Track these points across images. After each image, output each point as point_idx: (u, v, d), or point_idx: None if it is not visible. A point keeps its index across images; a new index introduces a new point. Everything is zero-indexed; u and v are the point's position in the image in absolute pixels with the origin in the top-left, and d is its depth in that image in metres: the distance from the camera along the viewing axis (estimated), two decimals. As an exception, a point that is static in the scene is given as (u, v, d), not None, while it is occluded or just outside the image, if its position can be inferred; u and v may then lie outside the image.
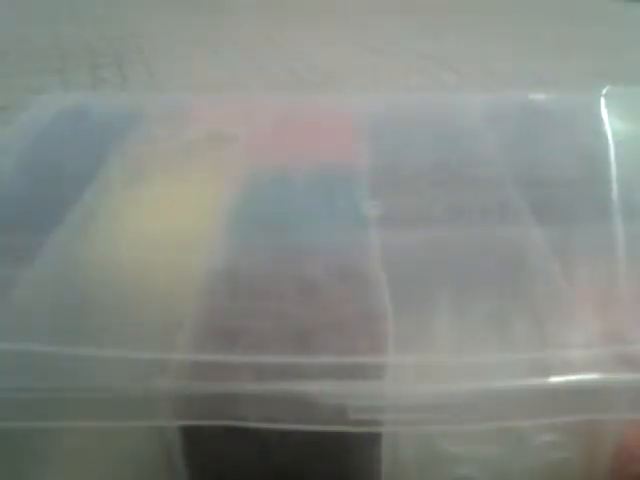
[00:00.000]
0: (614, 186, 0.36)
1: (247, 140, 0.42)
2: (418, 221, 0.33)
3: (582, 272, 0.29)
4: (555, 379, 0.23)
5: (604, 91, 0.47)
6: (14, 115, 0.50)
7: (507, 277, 0.29)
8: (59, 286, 0.29)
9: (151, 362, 0.24)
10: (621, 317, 0.26)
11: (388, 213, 0.33)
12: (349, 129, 0.43)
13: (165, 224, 0.33)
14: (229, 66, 1.08)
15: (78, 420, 0.24)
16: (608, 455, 0.25)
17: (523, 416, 0.23)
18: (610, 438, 0.25)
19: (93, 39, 1.20)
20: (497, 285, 0.28)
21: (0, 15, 1.57)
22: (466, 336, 0.25)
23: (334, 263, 0.30)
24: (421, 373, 0.23)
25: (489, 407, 0.23)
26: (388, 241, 0.31)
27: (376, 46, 1.26)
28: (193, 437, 0.25)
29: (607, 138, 0.42)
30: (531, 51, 1.26)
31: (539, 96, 0.48)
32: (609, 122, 0.44)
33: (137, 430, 0.24)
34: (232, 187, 0.36)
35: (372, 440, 0.24)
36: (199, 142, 0.42)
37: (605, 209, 0.34)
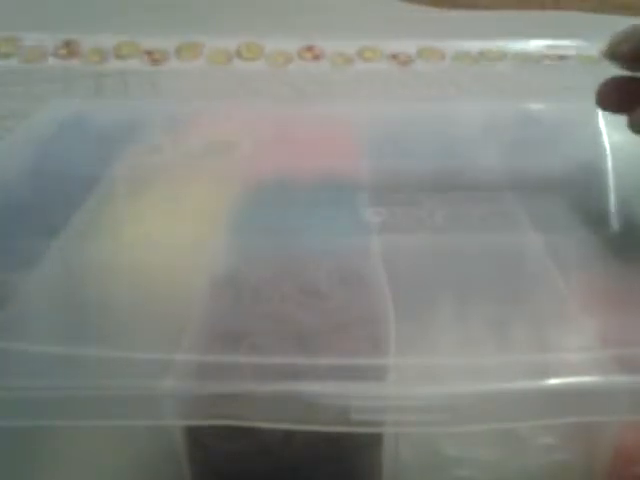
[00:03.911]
0: (612, 194, 0.37)
1: (249, 148, 0.42)
2: (419, 227, 0.33)
3: (580, 276, 0.29)
4: (554, 381, 0.23)
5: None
6: (17, 123, 0.50)
7: (506, 281, 0.29)
8: (63, 288, 0.29)
9: (155, 363, 0.24)
10: (619, 320, 0.26)
11: (389, 219, 0.34)
12: (350, 137, 0.44)
13: (168, 229, 0.33)
14: (229, 75, 1.08)
15: (81, 420, 0.24)
16: (607, 457, 0.25)
17: (523, 418, 0.24)
18: (609, 440, 0.25)
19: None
20: (497, 289, 0.29)
21: (2, 22, 1.57)
22: (466, 339, 0.26)
23: (336, 267, 0.30)
24: (422, 375, 0.24)
25: (489, 409, 0.23)
26: (389, 246, 0.31)
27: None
28: (196, 437, 0.25)
29: (605, 148, 0.42)
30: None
31: (538, 105, 0.49)
32: (607, 132, 0.44)
33: (140, 430, 0.25)
34: (234, 193, 0.36)
35: (373, 441, 0.25)
36: (201, 150, 0.43)
37: (603, 216, 0.34)
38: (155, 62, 0.33)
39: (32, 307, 0.28)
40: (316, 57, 0.34)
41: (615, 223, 0.34)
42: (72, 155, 0.42)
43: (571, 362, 0.24)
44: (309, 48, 0.34)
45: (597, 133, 0.44)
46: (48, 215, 0.35)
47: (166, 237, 0.32)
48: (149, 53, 0.33)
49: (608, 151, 0.42)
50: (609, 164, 0.40)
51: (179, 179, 0.39)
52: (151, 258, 0.31)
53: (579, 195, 0.36)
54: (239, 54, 0.33)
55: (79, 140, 0.44)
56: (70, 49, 0.33)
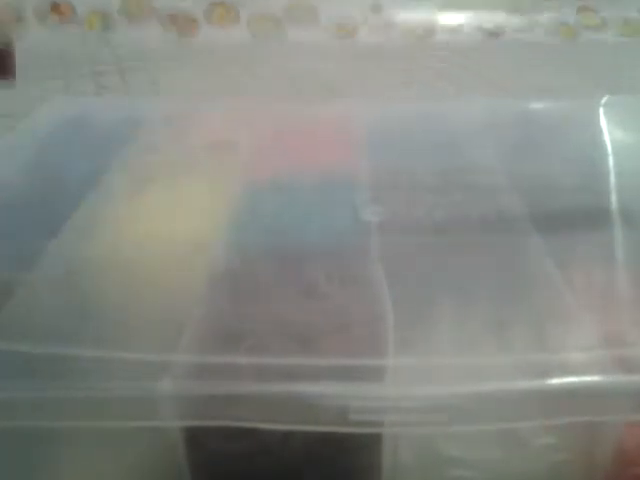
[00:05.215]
0: (613, 194, 0.37)
1: (248, 147, 0.42)
2: (418, 226, 0.33)
3: (581, 276, 0.29)
4: (554, 381, 0.23)
5: (603, 100, 0.47)
6: (17, 122, 0.50)
7: (506, 281, 0.29)
8: (62, 287, 0.29)
9: (154, 363, 0.24)
10: (620, 320, 0.26)
11: (388, 219, 0.34)
12: (349, 136, 0.44)
13: (167, 228, 0.33)
14: (230, 75, 1.09)
15: (80, 421, 0.24)
16: (607, 457, 0.25)
17: (523, 418, 0.24)
18: (609, 440, 0.25)
19: (95, 46, 1.21)
20: (497, 289, 0.29)
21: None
22: (466, 339, 0.26)
23: (335, 268, 0.30)
24: (421, 375, 0.24)
25: (489, 409, 0.23)
26: (388, 246, 0.31)
27: (377, 58, 1.27)
28: (196, 438, 0.25)
29: (606, 147, 0.42)
30: (531, 64, 1.27)
31: (538, 104, 0.49)
32: (608, 131, 0.44)
33: (140, 431, 0.24)
34: (234, 192, 0.36)
35: (373, 441, 0.25)
36: (201, 149, 0.43)
37: (604, 215, 0.34)
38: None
39: (32, 307, 0.28)
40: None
41: (616, 222, 0.34)
42: (72, 154, 0.42)
43: (571, 362, 0.24)
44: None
45: (598, 132, 0.44)
46: (48, 214, 0.35)
47: (166, 237, 0.32)
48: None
49: (609, 150, 0.42)
50: (610, 163, 0.40)
51: (179, 178, 0.39)
52: (151, 258, 0.31)
53: (580, 194, 0.36)
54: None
55: (79, 139, 0.44)
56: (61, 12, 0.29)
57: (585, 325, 0.26)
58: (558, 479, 0.26)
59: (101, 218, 0.34)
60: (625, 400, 0.23)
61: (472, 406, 0.23)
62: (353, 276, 0.29)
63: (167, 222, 0.34)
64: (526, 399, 0.23)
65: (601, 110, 0.47)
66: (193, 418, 0.24)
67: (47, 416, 0.24)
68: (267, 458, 0.25)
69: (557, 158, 0.41)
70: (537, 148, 0.42)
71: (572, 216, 0.34)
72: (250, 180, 0.38)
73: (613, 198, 0.36)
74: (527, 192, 0.36)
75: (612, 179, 0.38)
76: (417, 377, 0.24)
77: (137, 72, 0.97)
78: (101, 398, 0.23)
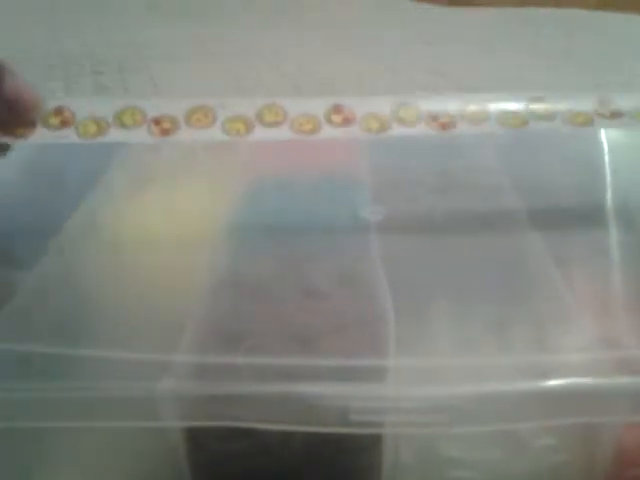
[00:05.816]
0: (613, 194, 0.37)
1: (248, 147, 0.42)
2: (419, 227, 0.33)
3: (580, 278, 0.29)
4: (554, 382, 0.23)
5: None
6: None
7: (506, 282, 0.29)
8: (62, 287, 0.29)
9: (155, 364, 0.24)
10: (618, 322, 0.26)
11: (389, 219, 0.34)
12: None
13: (168, 228, 0.33)
14: (230, 75, 1.08)
15: (80, 421, 0.24)
16: (607, 458, 0.25)
17: (522, 419, 0.24)
18: (608, 441, 0.25)
19: (95, 46, 1.21)
20: (496, 290, 0.29)
21: (2, 22, 1.57)
22: (466, 339, 0.26)
23: (336, 267, 0.30)
24: (422, 376, 0.24)
25: (489, 410, 0.23)
26: (389, 246, 0.31)
27: (376, 58, 1.27)
28: (196, 438, 0.25)
29: (604, 148, 0.42)
30: (531, 63, 1.27)
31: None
32: (606, 133, 0.44)
33: (140, 431, 0.25)
34: (234, 192, 0.37)
35: (373, 442, 0.25)
36: (200, 148, 0.43)
37: (604, 216, 0.34)
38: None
39: (32, 307, 0.28)
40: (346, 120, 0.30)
41: (615, 223, 0.34)
42: (72, 154, 0.42)
43: (571, 363, 0.24)
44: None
45: (598, 132, 0.44)
46: (48, 214, 0.35)
47: (166, 237, 0.32)
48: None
49: (609, 150, 0.42)
50: (609, 163, 0.40)
51: (179, 179, 0.39)
52: (151, 258, 0.31)
53: (579, 195, 0.36)
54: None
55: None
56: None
57: (584, 326, 0.26)
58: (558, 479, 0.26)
59: (101, 218, 0.34)
60: (624, 401, 0.23)
61: (472, 407, 0.23)
62: (354, 276, 0.29)
63: (167, 222, 0.34)
64: (526, 400, 0.23)
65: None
66: (193, 418, 0.24)
67: (47, 416, 0.24)
68: (267, 458, 0.25)
69: (557, 158, 0.41)
70: (537, 149, 0.42)
71: (572, 216, 0.34)
72: (250, 180, 0.38)
73: (613, 198, 0.36)
74: (527, 192, 0.36)
75: (611, 179, 0.38)
76: (417, 378, 0.24)
77: (137, 72, 0.97)
78: (101, 398, 0.23)
